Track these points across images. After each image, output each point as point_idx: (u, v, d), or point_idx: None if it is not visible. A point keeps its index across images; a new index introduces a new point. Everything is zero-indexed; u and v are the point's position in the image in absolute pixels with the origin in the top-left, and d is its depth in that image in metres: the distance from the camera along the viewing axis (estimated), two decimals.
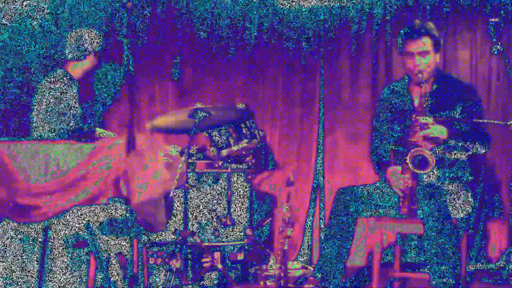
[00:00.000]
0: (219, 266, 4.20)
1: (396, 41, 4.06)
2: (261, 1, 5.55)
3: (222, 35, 5.60)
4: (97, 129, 4.80)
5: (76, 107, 4.64)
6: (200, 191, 4.29)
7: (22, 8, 5.42)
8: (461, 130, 3.89)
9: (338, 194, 3.98)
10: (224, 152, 4.31)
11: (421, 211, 3.74)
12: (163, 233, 4.24)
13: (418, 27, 3.94)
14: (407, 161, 3.75)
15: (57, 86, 4.62)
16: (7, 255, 3.79)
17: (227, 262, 4.38)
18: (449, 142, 3.83)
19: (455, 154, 3.93)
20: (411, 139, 3.82)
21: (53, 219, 3.74)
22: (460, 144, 3.84)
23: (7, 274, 3.77)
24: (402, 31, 4.00)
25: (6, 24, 5.40)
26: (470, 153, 3.93)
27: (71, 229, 3.75)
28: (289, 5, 5.50)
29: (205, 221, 4.28)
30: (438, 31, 3.98)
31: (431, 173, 3.88)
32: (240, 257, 4.34)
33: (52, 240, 3.75)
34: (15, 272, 3.77)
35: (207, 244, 4.22)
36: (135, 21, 5.60)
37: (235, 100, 5.35)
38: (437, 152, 3.88)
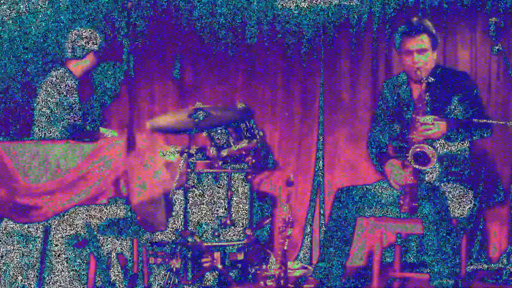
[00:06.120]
0: (219, 266, 4.20)
1: (394, 39, 4.07)
2: (261, 1, 5.55)
3: (222, 35, 5.60)
4: (101, 128, 4.81)
5: (77, 106, 4.65)
6: (200, 191, 4.29)
7: (23, 7, 5.42)
8: (460, 120, 3.90)
9: (338, 194, 3.97)
10: (224, 152, 4.31)
11: (421, 211, 3.74)
12: (163, 233, 4.24)
13: (416, 24, 3.95)
14: (409, 157, 3.75)
15: (58, 84, 4.63)
16: (7, 255, 3.78)
17: (227, 262, 4.38)
18: (449, 134, 3.83)
19: (455, 145, 3.93)
20: (412, 136, 3.81)
21: (53, 219, 3.74)
22: (459, 134, 3.85)
23: (7, 274, 3.77)
24: (400, 28, 4.01)
25: (7, 23, 5.40)
26: (472, 138, 3.94)
27: (71, 229, 3.75)
28: (289, 5, 5.50)
29: (205, 221, 4.28)
30: (435, 29, 3.99)
31: (432, 172, 3.88)
32: (240, 257, 4.34)
33: (52, 240, 3.75)
34: (15, 272, 3.77)
35: (207, 244, 4.22)
36: (135, 21, 5.60)
37: (235, 100, 5.35)
38: (438, 143, 3.88)
